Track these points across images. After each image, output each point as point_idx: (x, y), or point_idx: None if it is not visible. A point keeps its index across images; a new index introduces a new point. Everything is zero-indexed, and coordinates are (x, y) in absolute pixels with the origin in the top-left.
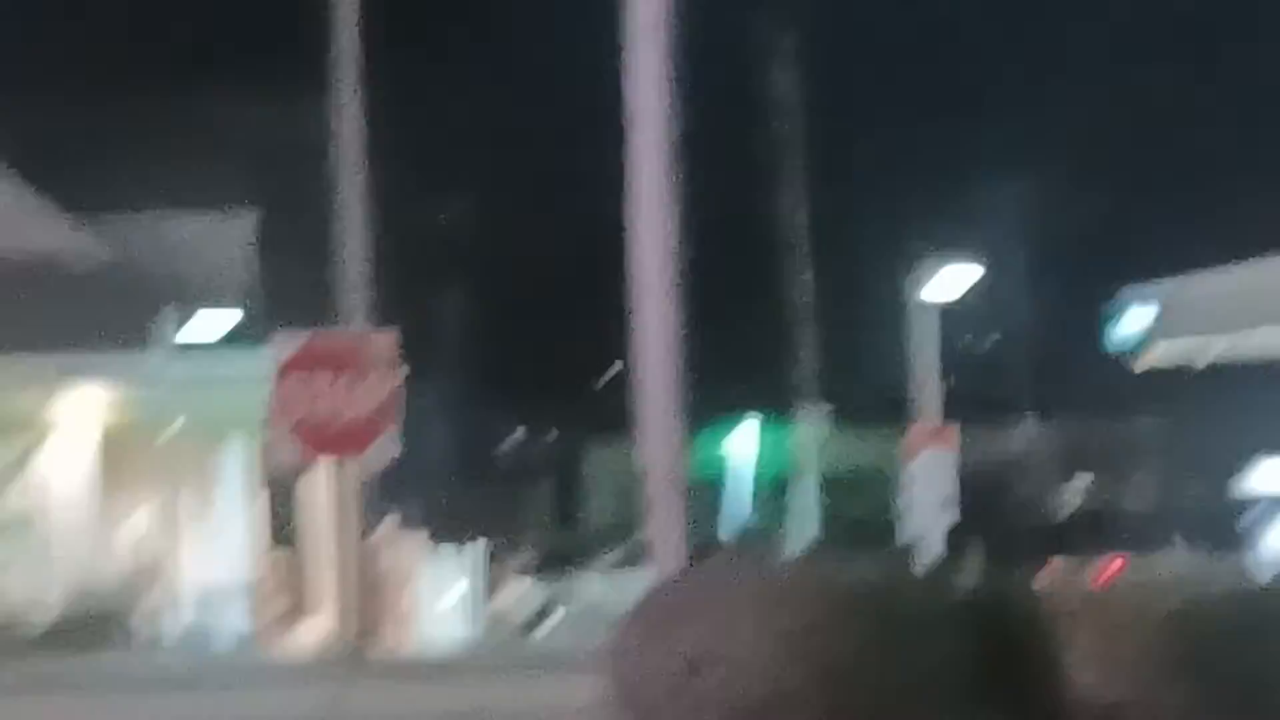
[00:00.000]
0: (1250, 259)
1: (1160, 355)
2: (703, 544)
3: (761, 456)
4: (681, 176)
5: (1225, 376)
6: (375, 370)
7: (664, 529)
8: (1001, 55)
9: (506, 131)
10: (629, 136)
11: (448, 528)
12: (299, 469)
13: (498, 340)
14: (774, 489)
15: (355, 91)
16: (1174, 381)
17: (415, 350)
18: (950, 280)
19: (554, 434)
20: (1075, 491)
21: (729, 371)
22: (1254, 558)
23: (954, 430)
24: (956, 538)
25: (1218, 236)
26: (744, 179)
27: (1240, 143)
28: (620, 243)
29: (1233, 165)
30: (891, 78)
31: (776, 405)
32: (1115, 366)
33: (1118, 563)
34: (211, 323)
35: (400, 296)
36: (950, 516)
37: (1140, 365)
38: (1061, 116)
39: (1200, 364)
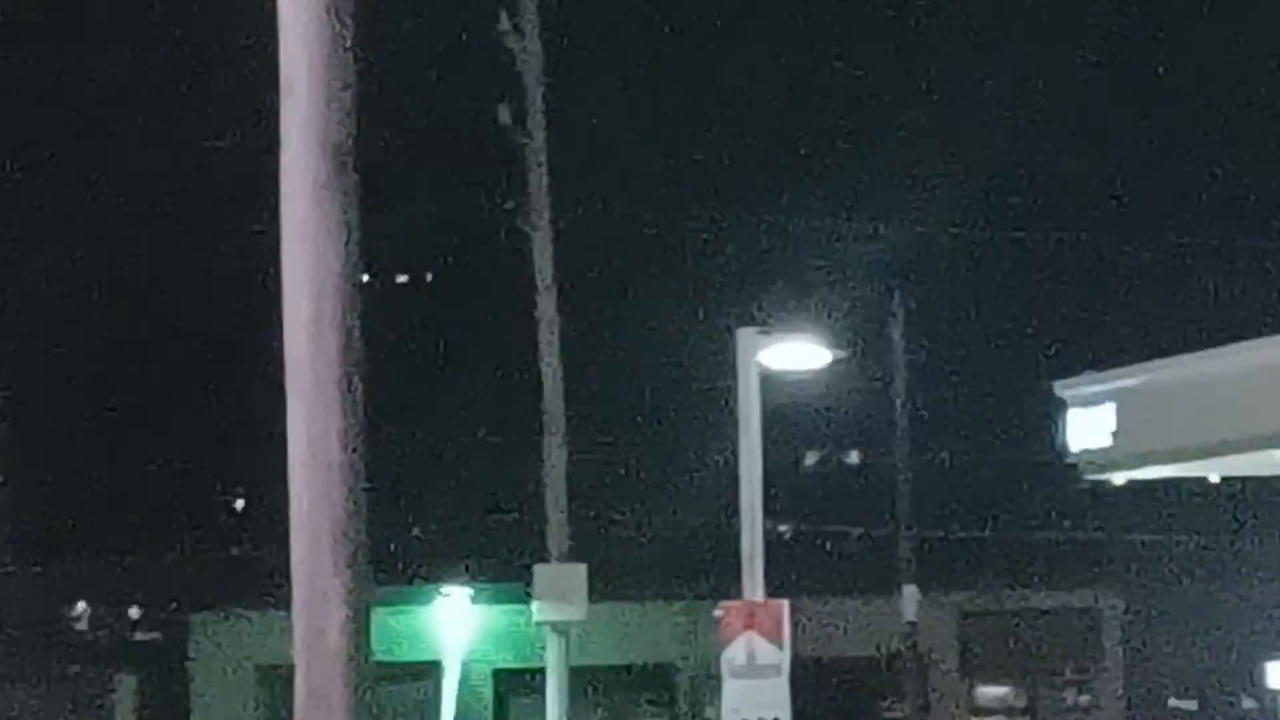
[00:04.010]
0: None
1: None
2: None
3: (480, 638)
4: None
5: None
6: None
7: None
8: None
9: None
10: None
11: None
12: None
13: (42, 458)
14: (503, 688)
15: None
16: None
17: None
18: (787, 356)
19: (136, 610)
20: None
21: (432, 506)
22: None
23: (782, 606)
24: None
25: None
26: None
27: None
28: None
29: None
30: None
31: (503, 562)
32: (1048, 499)
33: None
34: None
35: None
36: None
37: (1088, 482)
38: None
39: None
